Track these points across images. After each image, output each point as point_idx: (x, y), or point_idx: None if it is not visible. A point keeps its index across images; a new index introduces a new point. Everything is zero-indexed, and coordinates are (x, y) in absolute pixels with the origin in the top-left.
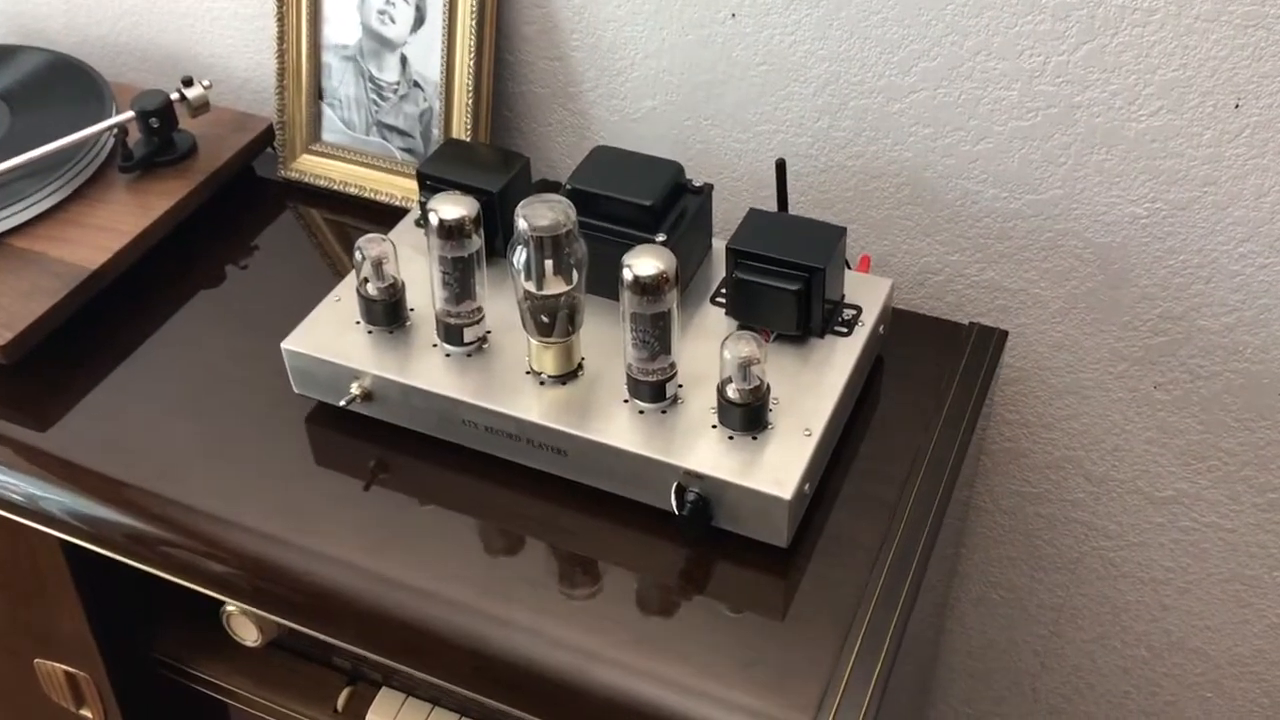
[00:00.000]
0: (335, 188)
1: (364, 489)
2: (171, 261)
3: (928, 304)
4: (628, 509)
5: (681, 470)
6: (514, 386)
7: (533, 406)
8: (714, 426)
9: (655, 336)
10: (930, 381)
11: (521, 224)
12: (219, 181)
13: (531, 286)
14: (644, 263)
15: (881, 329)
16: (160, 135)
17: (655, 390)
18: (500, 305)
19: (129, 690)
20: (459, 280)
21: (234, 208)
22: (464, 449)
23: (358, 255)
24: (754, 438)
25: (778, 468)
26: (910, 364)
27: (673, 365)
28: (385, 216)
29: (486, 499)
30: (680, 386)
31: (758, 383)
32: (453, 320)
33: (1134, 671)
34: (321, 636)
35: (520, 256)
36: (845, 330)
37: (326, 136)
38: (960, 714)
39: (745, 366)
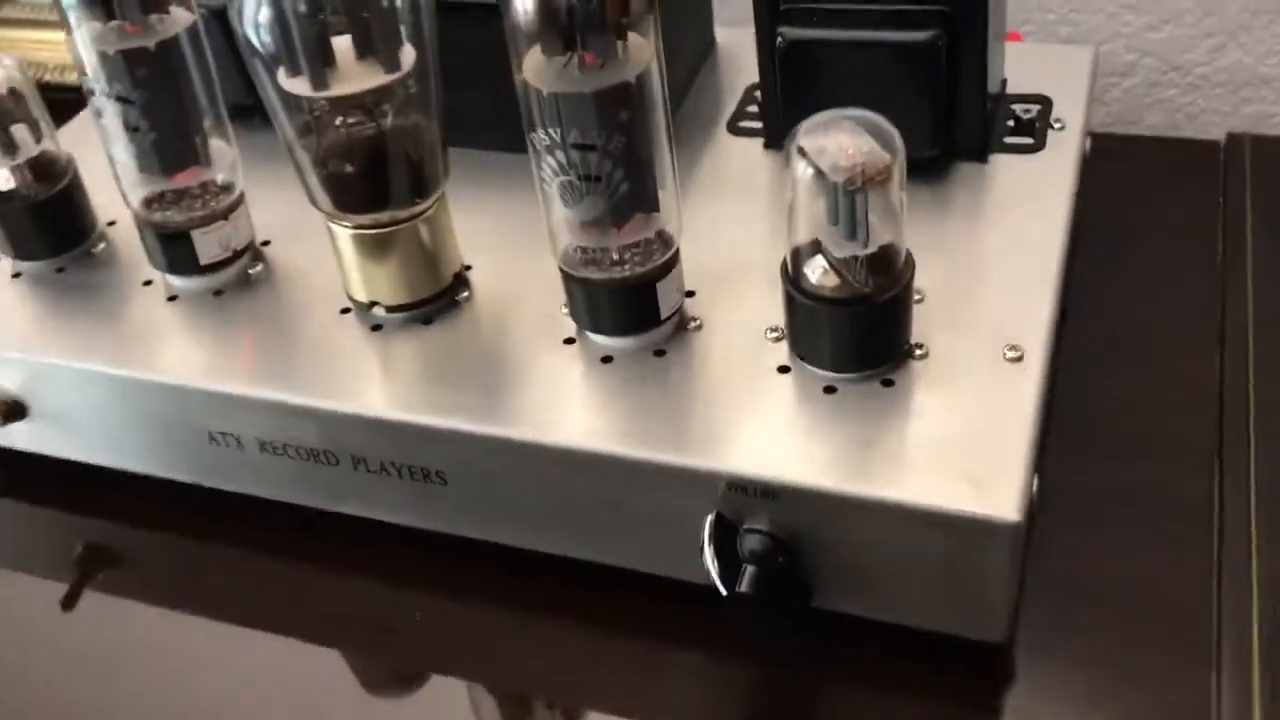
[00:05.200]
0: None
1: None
2: None
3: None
4: (597, 598)
5: (723, 478)
6: (335, 347)
7: (375, 385)
8: (780, 370)
9: (619, 168)
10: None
11: None
12: None
13: (303, 85)
14: None
15: (1087, 144)
16: None
17: (633, 301)
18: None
19: None
20: (159, 112)
21: None
22: (234, 503)
23: None
24: (885, 381)
25: (962, 452)
26: (1141, 208)
27: (666, 240)
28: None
29: (302, 602)
30: (689, 296)
31: (888, 242)
32: (165, 214)
33: None
34: None
35: (265, 22)
36: (1031, 141)
37: None
38: None
39: (854, 196)
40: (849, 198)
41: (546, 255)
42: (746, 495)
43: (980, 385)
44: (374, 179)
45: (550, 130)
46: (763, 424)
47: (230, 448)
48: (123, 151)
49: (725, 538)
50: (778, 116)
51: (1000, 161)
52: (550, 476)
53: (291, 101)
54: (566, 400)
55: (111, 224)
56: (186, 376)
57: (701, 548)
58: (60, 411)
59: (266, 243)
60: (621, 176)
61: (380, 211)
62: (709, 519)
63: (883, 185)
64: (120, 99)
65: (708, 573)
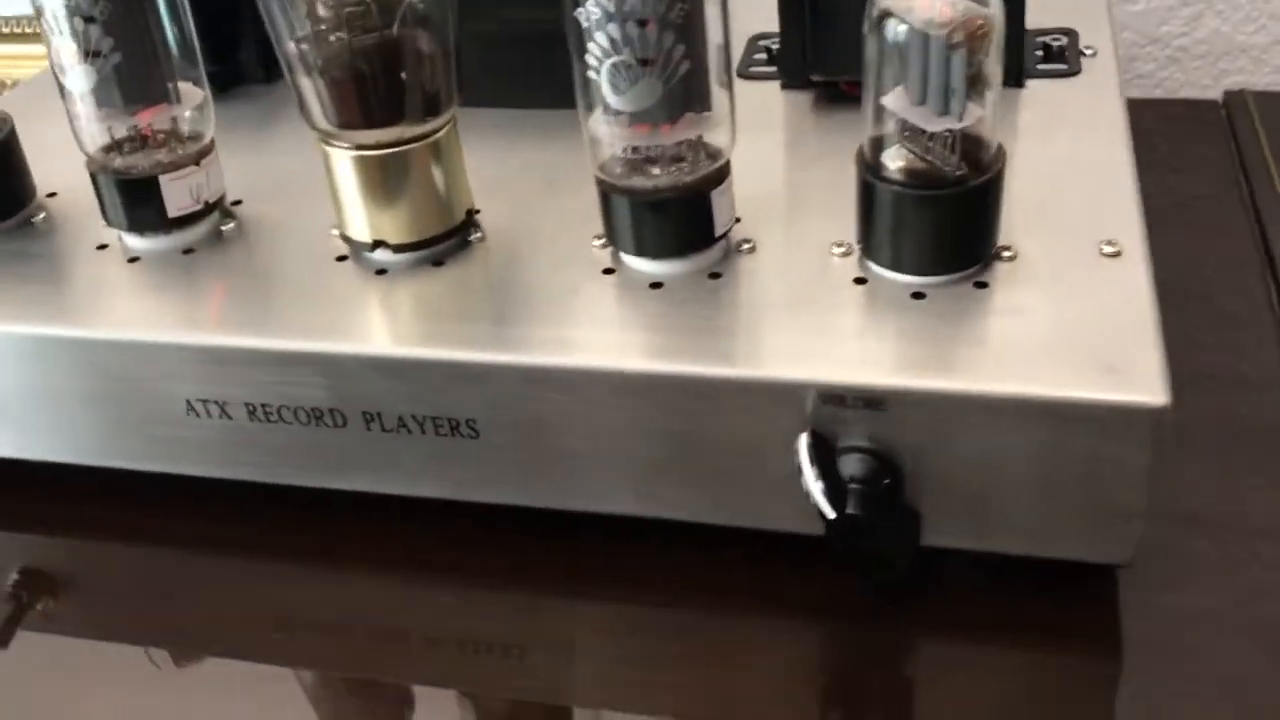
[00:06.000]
0: None
1: None
2: None
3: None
4: (654, 564)
5: (815, 389)
6: (336, 294)
7: (388, 326)
8: (857, 282)
9: (679, 45)
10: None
11: None
12: None
13: None
14: None
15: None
16: None
17: (685, 214)
18: (238, 146)
19: None
20: (124, 32)
21: None
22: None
23: None
24: (978, 284)
25: (1085, 346)
26: (1153, 160)
27: (713, 152)
28: None
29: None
30: (736, 220)
31: (981, 116)
32: (128, 160)
33: None
34: None
35: None
36: (1065, 67)
37: None
38: None
39: (951, 56)
40: (946, 58)
41: (562, 197)
42: (844, 407)
43: (1084, 282)
44: (383, 87)
45: (604, 0)
46: (849, 334)
47: (213, 418)
48: (80, 81)
49: (823, 459)
50: (799, 52)
51: (1038, 86)
52: (605, 412)
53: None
54: (616, 326)
55: (52, 195)
56: (159, 331)
57: (796, 472)
58: (3, 396)
59: (238, 202)
60: (681, 55)
61: (389, 127)
62: (803, 438)
63: (982, 41)
64: (83, 16)
65: (808, 496)
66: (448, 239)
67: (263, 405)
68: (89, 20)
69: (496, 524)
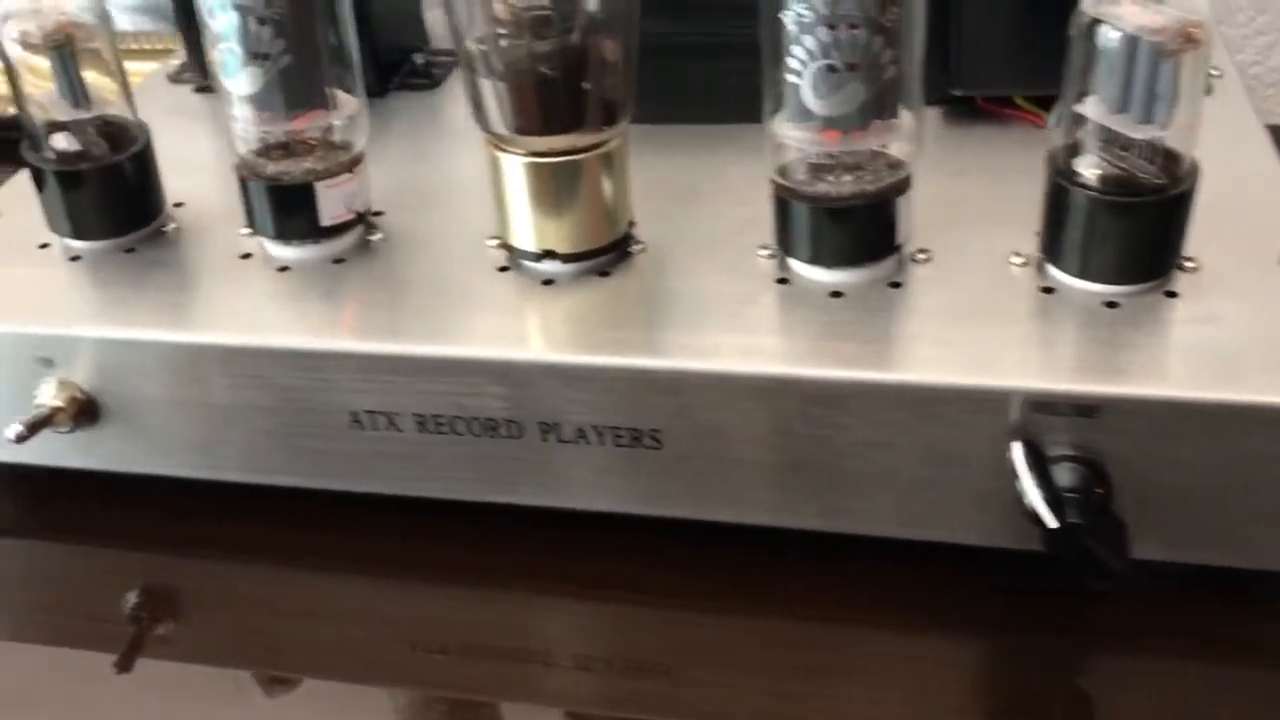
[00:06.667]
0: None
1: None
2: None
3: None
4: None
5: (1027, 397)
6: (506, 303)
7: (569, 334)
8: (1045, 291)
9: (889, 49)
10: None
11: None
12: None
13: None
14: None
15: None
16: None
17: (869, 222)
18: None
19: None
20: (296, 36)
21: None
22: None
23: (8, 38)
24: (1168, 293)
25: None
26: None
27: (893, 162)
28: None
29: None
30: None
31: (1186, 123)
32: (280, 167)
33: None
34: None
35: None
36: None
37: None
38: None
39: (1161, 63)
40: (1154, 65)
41: (711, 207)
42: (1054, 415)
43: (1273, 290)
44: (565, 94)
45: (816, 3)
46: (1050, 342)
47: (379, 430)
48: (245, 84)
49: (1040, 467)
50: (939, 68)
51: None
52: (796, 422)
53: (484, 2)
54: (801, 335)
55: (179, 205)
56: (327, 340)
57: (1007, 481)
58: (142, 410)
59: (379, 213)
60: (889, 60)
61: (567, 134)
62: (1017, 447)
63: (1196, 49)
64: (257, 17)
65: (1029, 505)
66: (613, 249)
67: (434, 417)
68: (261, 22)
69: (651, 539)
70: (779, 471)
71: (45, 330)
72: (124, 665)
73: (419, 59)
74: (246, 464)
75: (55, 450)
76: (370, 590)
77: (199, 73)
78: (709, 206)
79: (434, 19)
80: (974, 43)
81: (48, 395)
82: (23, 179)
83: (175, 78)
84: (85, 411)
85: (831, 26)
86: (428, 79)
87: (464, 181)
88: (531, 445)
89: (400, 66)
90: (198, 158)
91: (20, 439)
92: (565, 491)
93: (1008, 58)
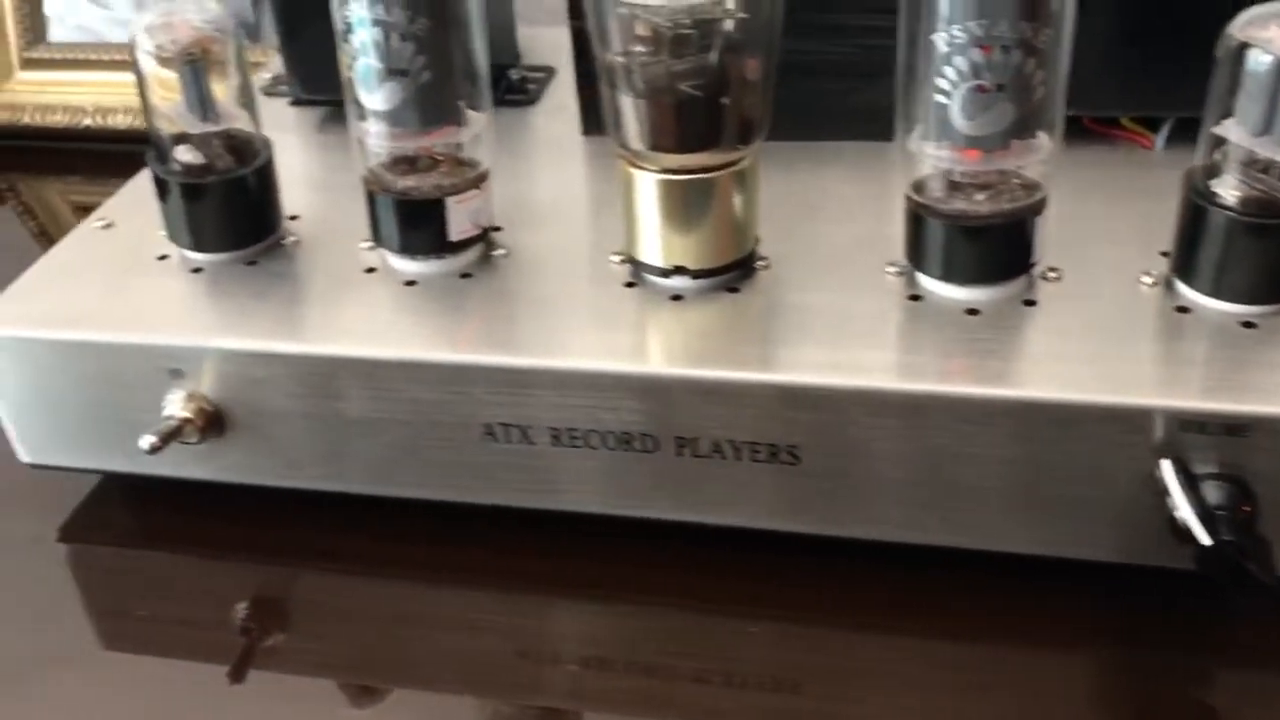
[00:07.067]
0: (74, 123)
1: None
2: None
3: None
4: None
5: (1177, 416)
6: (637, 318)
7: (709, 349)
8: (1179, 310)
9: (1040, 70)
10: None
11: None
12: None
13: None
14: None
15: None
16: None
17: (1007, 239)
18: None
19: None
20: (438, 52)
21: None
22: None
23: (143, 53)
24: None
25: None
26: None
27: (1029, 184)
28: None
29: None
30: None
31: None
32: (407, 182)
33: None
34: None
35: None
36: None
37: (56, 36)
38: None
39: None
40: None
41: (835, 223)
42: (1202, 434)
43: None
44: (704, 112)
45: (970, 25)
46: (1191, 362)
47: (513, 443)
48: (383, 99)
49: (1191, 485)
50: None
51: None
52: (941, 438)
53: (623, 17)
54: (942, 351)
55: (294, 218)
56: (470, 354)
57: (1158, 498)
58: (270, 422)
59: (498, 228)
60: (1040, 80)
61: (703, 152)
62: (1166, 465)
63: None
64: (400, 34)
65: (1180, 522)
66: (741, 266)
67: (569, 430)
68: (404, 38)
69: (787, 555)
70: (914, 488)
71: (177, 341)
72: (236, 676)
73: (514, 74)
74: (373, 476)
75: (177, 461)
76: (487, 601)
77: (297, 86)
78: (825, 223)
79: (526, 35)
80: (1083, 65)
81: (176, 406)
82: (130, 191)
83: (269, 90)
84: (213, 423)
85: (985, 48)
86: (524, 94)
87: (573, 197)
88: (666, 460)
89: (498, 82)
90: (304, 171)
91: (154, 449)
92: (697, 506)
93: (1116, 80)
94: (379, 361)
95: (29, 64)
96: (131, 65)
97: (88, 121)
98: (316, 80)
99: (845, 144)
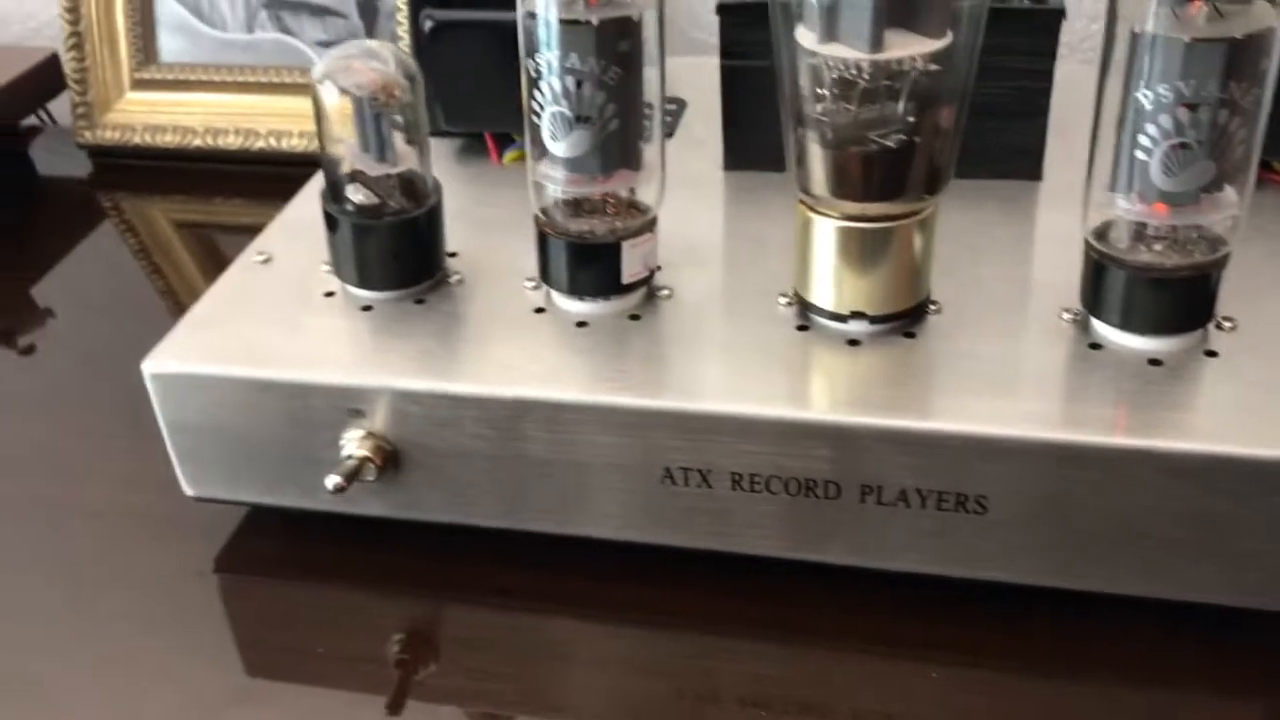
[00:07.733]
0: (184, 143)
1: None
2: None
3: None
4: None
5: None
6: (817, 363)
7: (899, 397)
8: None
9: (1235, 135)
10: None
11: None
12: None
13: (844, 48)
14: None
15: None
16: None
17: (1186, 292)
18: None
19: None
20: (625, 99)
21: None
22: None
23: (327, 95)
24: None
25: None
26: None
27: (1221, 241)
28: (286, 185)
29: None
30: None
31: None
32: (581, 225)
33: None
34: None
35: None
36: None
37: (168, 56)
38: None
39: None
40: None
41: (1000, 266)
42: None
43: None
44: (891, 163)
45: (1179, 84)
46: None
47: (690, 487)
48: (570, 147)
49: None
50: None
51: None
52: (1137, 492)
53: (817, 69)
54: (1138, 405)
55: (453, 255)
56: (654, 397)
57: None
58: (445, 461)
59: (658, 268)
60: (1241, 139)
61: (890, 201)
62: None
63: None
64: (592, 82)
65: None
66: (920, 310)
67: (751, 475)
68: (597, 87)
69: (946, 602)
70: (1111, 539)
71: (365, 383)
72: (394, 708)
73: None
74: (547, 515)
75: (350, 497)
76: (644, 640)
77: (438, 117)
78: (990, 266)
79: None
80: None
81: (354, 445)
82: (282, 224)
83: None
84: (390, 461)
85: (1192, 108)
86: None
87: (725, 234)
88: (848, 506)
89: None
90: (452, 205)
91: (338, 490)
92: (877, 552)
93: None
94: (564, 405)
95: (139, 84)
96: (313, 104)
97: (198, 142)
98: (458, 112)
99: (990, 182)
